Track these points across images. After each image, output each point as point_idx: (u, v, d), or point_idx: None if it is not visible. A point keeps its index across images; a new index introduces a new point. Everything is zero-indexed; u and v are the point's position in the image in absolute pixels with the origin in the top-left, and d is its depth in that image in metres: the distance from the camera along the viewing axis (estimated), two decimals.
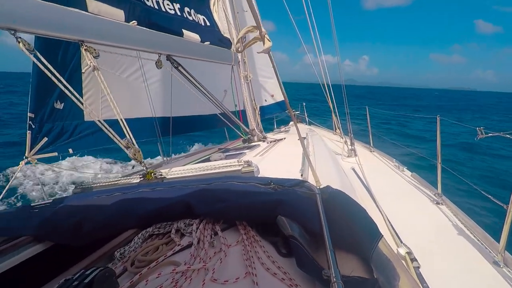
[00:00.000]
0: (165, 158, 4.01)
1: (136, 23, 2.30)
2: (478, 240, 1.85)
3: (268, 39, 1.29)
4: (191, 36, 2.98)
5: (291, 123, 6.76)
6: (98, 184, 1.94)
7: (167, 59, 2.71)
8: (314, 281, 0.85)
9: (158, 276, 0.87)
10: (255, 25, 1.27)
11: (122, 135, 1.97)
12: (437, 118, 2.53)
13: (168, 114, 4.11)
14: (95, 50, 1.95)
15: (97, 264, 1.14)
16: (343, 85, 4.15)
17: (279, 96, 6.93)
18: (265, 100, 6.50)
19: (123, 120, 1.95)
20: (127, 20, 2.26)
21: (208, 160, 2.75)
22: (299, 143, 3.22)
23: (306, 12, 4.58)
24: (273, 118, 7.02)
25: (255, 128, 3.92)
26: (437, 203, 2.40)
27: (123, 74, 3.83)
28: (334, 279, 0.74)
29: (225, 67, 4.19)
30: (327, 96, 4.37)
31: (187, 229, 1.19)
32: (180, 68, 2.86)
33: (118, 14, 2.21)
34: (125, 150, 1.90)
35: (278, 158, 2.68)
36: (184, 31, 2.93)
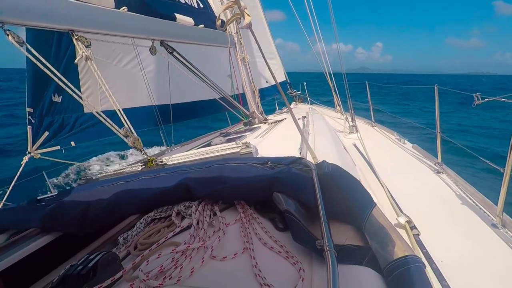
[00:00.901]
0: (167, 147, 4.03)
1: (126, 9, 2.25)
2: (477, 204, 1.88)
3: (247, 14, 1.26)
4: (184, 19, 2.92)
5: (293, 103, 6.71)
6: (102, 175, 1.97)
7: (161, 45, 2.67)
8: (311, 252, 0.87)
9: (159, 257, 0.89)
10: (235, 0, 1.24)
11: (122, 125, 1.97)
12: (435, 87, 2.50)
13: (167, 101, 4.11)
14: (86, 39, 1.92)
15: (101, 250, 1.18)
16: (342, 64, 4.11)
17: (280, 77, 6.86)
18: (266, 82, 6.43)
19: (120, 110, 1.95)
20: (117, 6, 2.21)
21: (209, 145, 2.76)
22: (300, 123, 3.22)
23: (306, 2, 4.51)
24: (275, 99, 6.97)
25: (255, 111, 3.89)
26: (438, 172, 2.41)
27: (120, 63, 3.80)
28: (327, 247, 0.76)
29: (223, 50, 4.13)
30: (326, 75, 4.33)
31: (187, 212, 1.21)
32: (175, 53, 2.82)
33: (107, 0, 2.16)
34: (124, 139, 1.91)
35: (278, 138, 2.69)
36: (176, 15, 2.87)
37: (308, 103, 6.68)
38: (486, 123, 13.19)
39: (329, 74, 4.36)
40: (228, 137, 3.06)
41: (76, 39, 1.86)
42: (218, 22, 1.35)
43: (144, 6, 2.42)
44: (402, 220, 1.57)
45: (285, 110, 6.00)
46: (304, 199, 1.04)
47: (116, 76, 3.77)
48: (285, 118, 3.89)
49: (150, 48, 2.52)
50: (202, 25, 3.15)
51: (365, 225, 0.89)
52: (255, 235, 1.01)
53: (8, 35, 1.55)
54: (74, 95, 1.78)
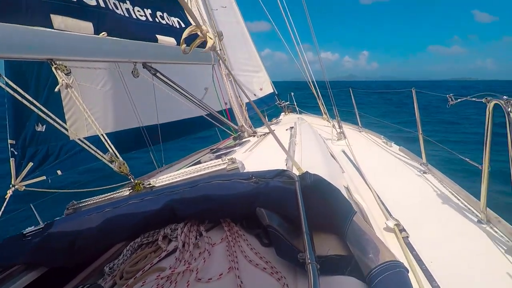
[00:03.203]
0: (158, 168, 3.99)
1: (106, 34, 2.27)
2: (462, 202, 1.91)
3: (210, 37, 1.28)
4: (166, 40, 2.95)
5: (282, 114, 6.77)
6: (89, 202, 1.93)
7: (143, 67, 2.68)
8: (295, 266, 0.86)
9: (143, 285, 0.87)
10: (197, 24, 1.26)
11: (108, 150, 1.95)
12: (412, 91, 2.57)
13: (155, 121, 4.09)
14: (65, 67, 1.92)
15: (87, 281, 1.14)
16: (324, 72, 4.18)
17: (268, 89, 6.93)
18: (254, 95, 6.48)
19: (104, 135, 1.94)
20: (96, 32, 2.23)
21: (199, 162, 2.75)
22: (287, 133, 3.23)
23: (283, 13, 4.63)
24: (264, 111, 7.02)
25: (244, 124, 3.90)
26: (424, 172, 2.46)
27: (104, 87, 3.79)
28: (309, 260, 0.75)
29: (207, 67, 4.16)
30: (310, 84, 4.40)
31: (173, 234, 1.20)
32: (158, 74, 2.83)
33: (86, 27, 2.17)
34: (109, 164, 1.88)
35: (266, 150, 2.69)
36: (158, 36, 2.90)
37: (297, 113, 6.75)
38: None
39: (313, 82, 4.44)
40: (217, 153, 3.05)
41: (55, 67, 1.85)
42: (183, 47, 1.36)
43: (124, 30, 2.43)
44: (391, 223, 1.58)
45: (275, 121, 6.05)
46: (287, 212, 1.03)
47: (101, 100, 3.75)
48: (274, 130, 3.90)
49: (132, 71, 2.53)
50: (185, 45, 3.19)
51: (347, 233, 0.89)
52: (241, 253, 1.00)
53: None
54: (55, 124, 1.76)
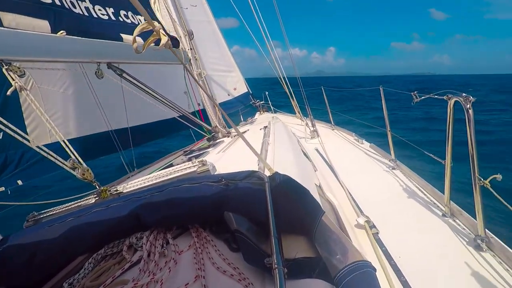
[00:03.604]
0: (129, 172, 3.84)
1: (65, 33, 2.13)
2: (428, 196, 1.98)
3: (163, 34, 1.22)
4: (131, 39, 2.83)
5: (257, 113, 6.76)
6: (52, 213, 1.81)
7: (108, 67, 2.55)
8: (263, 272, 0.84)
9: None
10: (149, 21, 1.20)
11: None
12: (380, 88, 2.64)
13: (124, 125, 3.93)
14: (19, 68, 1.78)
15: None
16: (296, 69, 4.22)
17: (242, 89, 6.89)
18: (228, 95, 6.42)
19: (65, 141, 1.82)
20: (54, 30, 2.09)
21: (171, 165, 2.66)
22: (261, 133, 3.22)
23: (253, 10, 4.60)
24: (239, 111, 6.97)
25: (218, 125, 3.85)
26: (393, 168, 2.53)
27: (68, 90, 3.58)
28: (276, 265, 0.73)
29: (178, 66, 4.05)
30: (283, 83, 4.43)
31: (138, 243, 1.13)
32: (125, 75, 2.71)
33: (41, 25, 2.04)
34: (71, 171, 1.77)
35: (239, 151, 2.66)
36: (123, 35, 2.78)
37: (271, 112, 6.76)
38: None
39: (284, 79, 4.46)
40: (190, 155, 2.98)
41: (6, 69, 1.71)
42: (134, 45, 1.29)
43: (85, 29, 2.30)
44: (362, 220, 1.61)
45: (250, 120, 6.02)
46: (256, 215, 1.00)
47: (65, 104, 3.54)
48: (248, 130, 3.88)
49: (95, 72, 2.40)
50: (153, 44, 3.08)
51: (315, 235, 0.87)
52: (209, 260, 0.95)
53: None
54: (7, 130, 1.63)
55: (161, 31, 1.18)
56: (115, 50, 2.51)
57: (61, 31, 2.12)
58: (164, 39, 1.18)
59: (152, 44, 1.28)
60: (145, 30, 1.20)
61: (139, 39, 1.43)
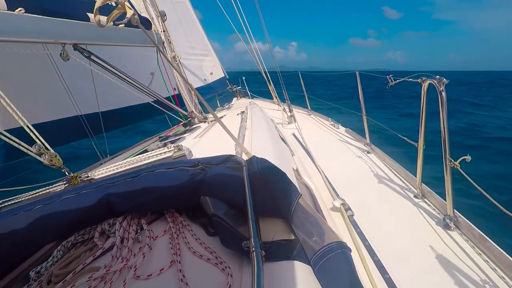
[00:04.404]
0: (102, 159, 3.71)
1: (23, 11, 1.97)
2: (401, 179, 2.06)
3: (128, 7, 1.18)
4: (99, 19, 2.67)
5: (234, 99, 6.69)
6: (17, 201, 1.72)
7: (74, 49, 2.41)
8: (241, 255, 0.85)
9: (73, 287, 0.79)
10: None
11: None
12: (356, 72, 2.69)
13: (95, 109, 3.76)
14: None
15: None
16: (275, 60, 4.22)
17: (219, 74, 6.75)
18: (204, 80, 6.28)
19: (29, 125, 1.73)
20: (11, 7, 1.92)
21: (146, 151, 2.60)
22: (238, 118, 3.20)
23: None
24: (216, 96, 6.86)
25: (194, 110, 3.78)
26: (368, 152, 2.60)
27: (33, 73, 3.36)
28: (253, 248, 0.74)
29: (152, 50, 3.89)
30: (260, 68, 4.40)
31: (111, 230, 1.11)
32: (93, 57, 2.57)
33: None
34: (37, 157, 1.69)
35: (216, 136, 2.64)
36: (89, 15, 2.61)
37: (249, 97, 6.72)
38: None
39: (263, 68, 4.45)
40: (166, 141, 2.92)
41: None
42: (96, 18, 1.23)
43: (46, 7, 2.14)
44: (337, 203, 1.65)
45: (227, 106, 5.96)
46: (233, 199, 1.01)
47: (30, 87, 3.33)
48: (225, 115, 3.84)
49: (60, 53, 2.26)
50: (123, 25, 2.93)
51: (292, 217, 0.89)
52: (185, 245, 0.95)
53: None
54: None
55: (126, 3, 1.12)
56: (82, 31, 2.37)
57: (20, 8, 1.96)
58: (130, 12, 1.12)
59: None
60: (108, 2, 1.13)
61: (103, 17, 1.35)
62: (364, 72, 2.80)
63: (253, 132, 2.33)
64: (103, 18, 1.48)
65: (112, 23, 1.37)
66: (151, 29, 3.44)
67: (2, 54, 3.00)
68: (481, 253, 1.31)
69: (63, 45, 2.25)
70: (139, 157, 1.84)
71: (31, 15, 1.98)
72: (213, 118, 3.63)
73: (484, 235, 1.37)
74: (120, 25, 2.52)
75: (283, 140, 2.62)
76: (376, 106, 16.73)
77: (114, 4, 1.34)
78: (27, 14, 1.96)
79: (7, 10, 1.87)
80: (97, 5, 1.14)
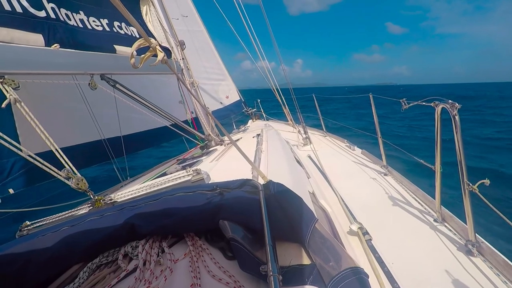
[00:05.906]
0: (122, 181, 3.84)
1: (58, 46, 2.17)
2: (419, 202, 2.01)
3: (160, 50, 1.28)
4: (124, 51, 2.87)
5: (250, 121, 6.81)
6: (45, 222, 1.81)
7: (102, 79, 2.58)
8: (259, 279, 0.87)
9: None
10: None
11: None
12: (370, 96, 2.71)
13: (118, 134, 3.94)
14: (13, 81, 1.81)
15: None
16: (288, 79, 4.31)
17: (234, 97, 6.95)
18: (221, 103, 6.47)
19: (58, 150, 1.84)
20: (48, 44, 2.12)
21: (165, 174, 2.68)
22: (254, 141, 3.26)
23: (244, 20, 4.71)
24: (232, 119, 7.02)
25: (211, 133, 3.88)
26: (384, 174, 2.57)
27: (61, 100, 3.59)
28: (271, 272, 0.76)
29: (171, 75, 4.09)
30: (275, 92, 4.50)
31: (134, 252, 1.15)
32: (118, 85, 2.75)
33: (35, 39, 2.07)
34: (66, 181, 1.79)
35: (233, 159, 2.69)
36: (116, 46, 2.82)
37: (264, 120, 6.83)
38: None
39: (277, 89, 4.56)
40: (183, 164, 3.00)
41: (1, 82, 1.74)
42: (132, 61, 1.34)
43: (79, 41, 2.34)
44: (355, 227, 1.63)
45: (242, 128, 6.07)
46: (251, 223, 1.03)
47: (58, 113, 3.55)
48: (241, 137, 3.92)
49: (89, 83, 2.43)
50: (134, 59, 3.11)
51: (308, 242, 0.90)
52: (204, 268, 0.98)
53: None
54: (2, 141, 1.65)
55: (158, 47, 1.23)
56: (109, 62, 2.55)
57: (55, 44, 2.15)
58: (161, 55, 1.23)
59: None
60: (142, 46, 1.24)
61: (134, 53, 1.47)
62: (374, 92, 2.83)
63: (269, 155, 2.37)
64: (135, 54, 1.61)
65: (133, 60, 1.49)
66: (171, 57, 3.64)
67: (37, 84, 3.26)
68: (506, 281, 1.26)
69: (91, 75, 2.42)
70: (159, 181, 1.91)
71: (64, 50, 2.17)
72: (229, 141, 3.71)
73: (510, 262, 1.31)
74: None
75: (298, 162, 2.64)
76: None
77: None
78: (61, 49, 2.14)
79: (45, 46, 2.06)
80: (133, 49, 1.26)
